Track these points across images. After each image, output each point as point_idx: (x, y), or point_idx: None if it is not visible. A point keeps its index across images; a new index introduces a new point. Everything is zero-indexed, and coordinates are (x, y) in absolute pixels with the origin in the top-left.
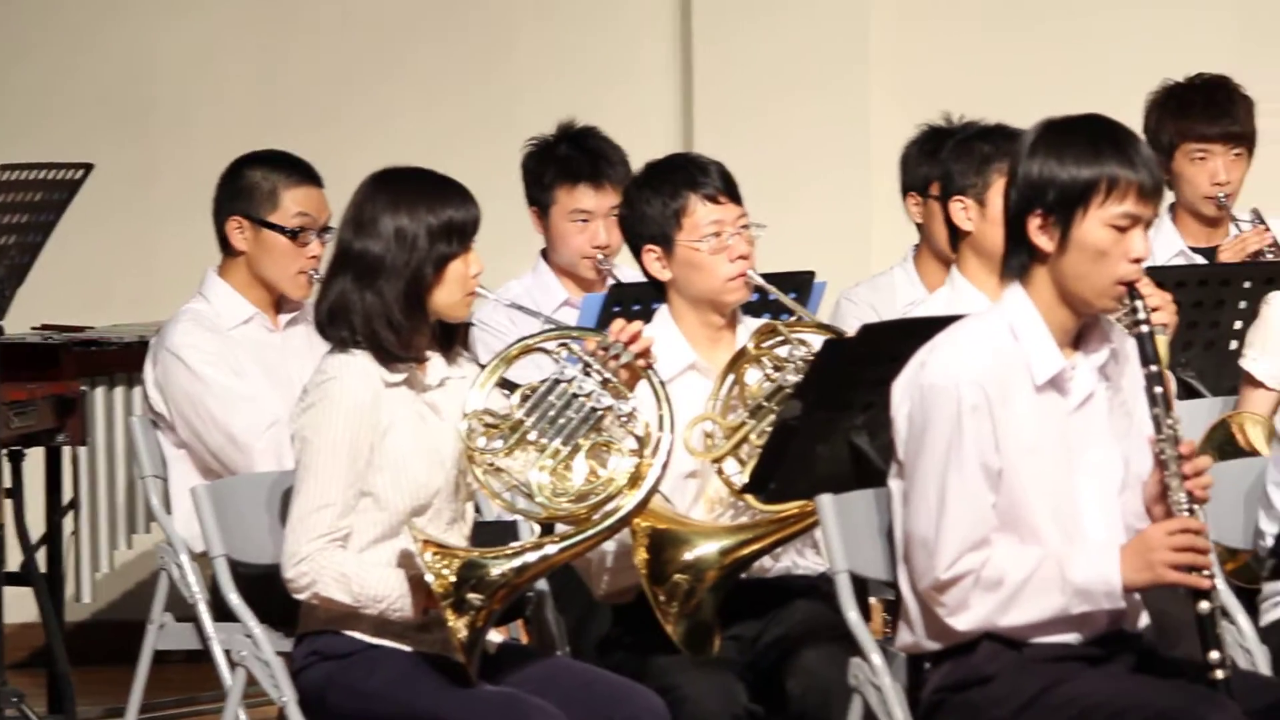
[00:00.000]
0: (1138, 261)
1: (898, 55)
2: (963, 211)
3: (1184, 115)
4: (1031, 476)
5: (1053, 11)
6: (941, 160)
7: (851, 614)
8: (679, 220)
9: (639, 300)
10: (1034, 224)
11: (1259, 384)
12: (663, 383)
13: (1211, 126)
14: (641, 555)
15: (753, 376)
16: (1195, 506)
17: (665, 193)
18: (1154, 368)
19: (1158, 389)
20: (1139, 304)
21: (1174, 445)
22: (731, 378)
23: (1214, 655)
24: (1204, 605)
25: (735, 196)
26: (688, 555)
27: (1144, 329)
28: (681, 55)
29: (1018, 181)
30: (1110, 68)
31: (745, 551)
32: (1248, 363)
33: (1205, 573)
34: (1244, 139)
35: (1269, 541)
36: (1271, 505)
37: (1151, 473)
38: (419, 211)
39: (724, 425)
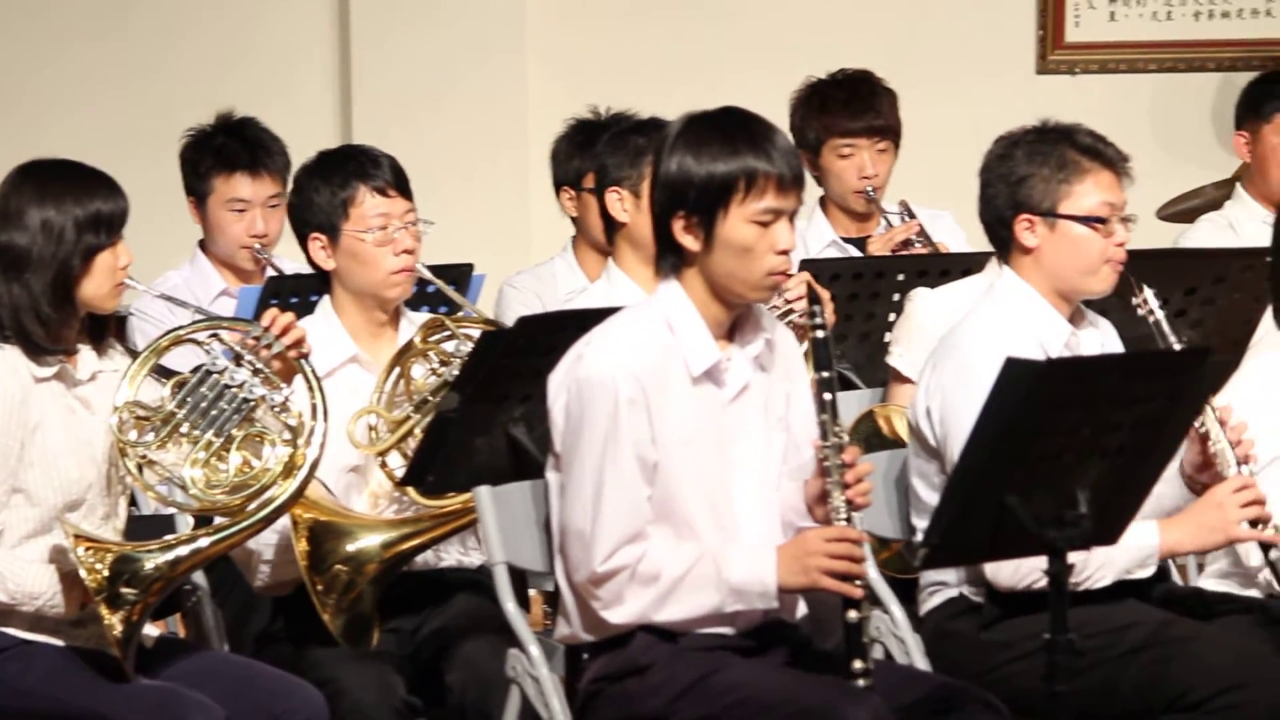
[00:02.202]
0: (785, 253)
1: (555, 49)
2: (619, 203)
3: (827, 111)
4: (688, 469)
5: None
6: (597, 153)
7: (509, 605)
8: (346, 210)
9: (298, 292)
10: (678, 225)
11: (905, 379)
12: (315, 372)
13: (855, 121)
14: (302, 547)
15: (418, 371)
16: (854, 515)
17: (335, 182)
18: (826, 373)
19: (828, 395)
20: (817, 308)
21: (838, 453)
22: (396, 371)
23: (858, 664)
24: (852, 614)
25: (405, 191)
26: (349, 548)
27: (819, 334)
28: (340, 51)
29: (659, 182)
30: (769, 50)
31: (407, 545)
32: (894, 359)
33: (858, 582)
34: (888, 132)
35: (920, 536)
36: (918, 497)
37: (814, 475)
38: (65, 203)
39: (388, 419)
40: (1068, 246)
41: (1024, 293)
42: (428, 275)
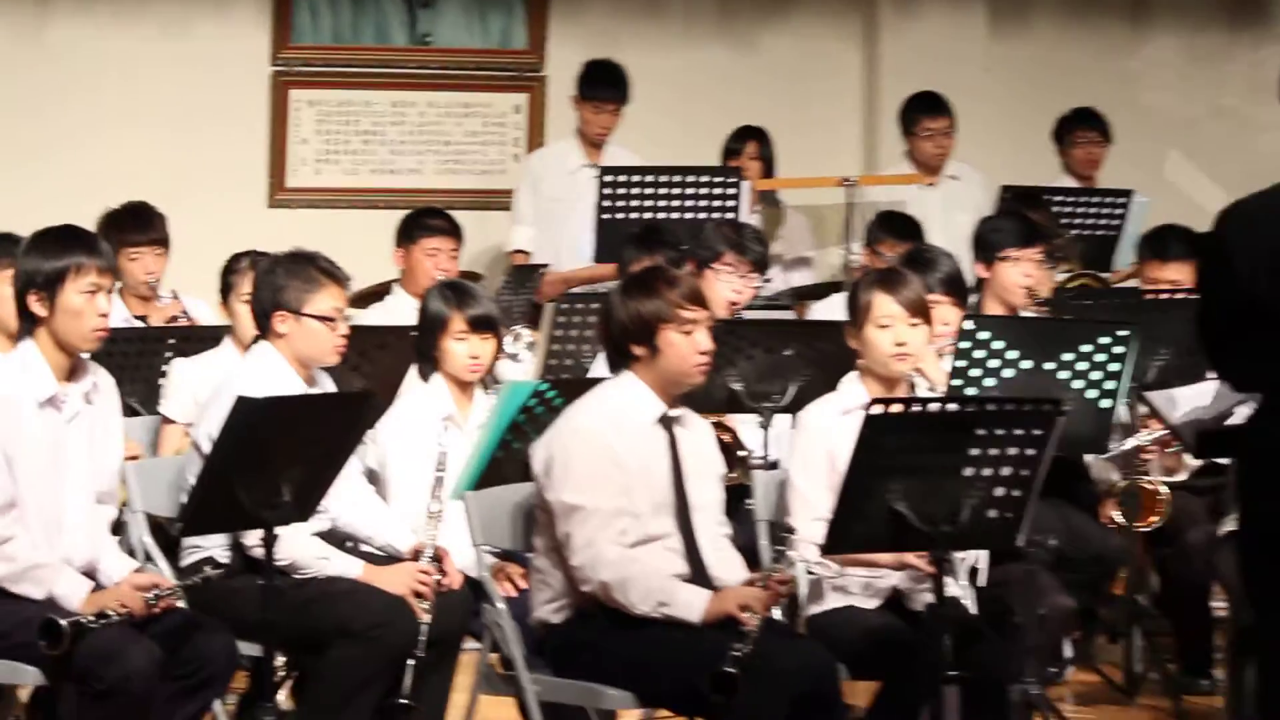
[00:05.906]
0: (105, 315)
1: None
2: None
3: (121, 229)
4: (30, 467)
5: None
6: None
7: None
8: None
9: None
10: (33, 299)
11: (171, 420)
12: None
13: (140, 235)
14: None
15: None
16: None
17: None
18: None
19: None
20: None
21: None
22: None
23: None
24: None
25: None
26: None
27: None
28: None
29: (20, 273)
30: (90, 181)
31: None
32: (163, 407)
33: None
34: (161, 242)
35: None
36: None
37: None
38: None
39: None
40: (309, 335)
41: (274, 360)
42: None
